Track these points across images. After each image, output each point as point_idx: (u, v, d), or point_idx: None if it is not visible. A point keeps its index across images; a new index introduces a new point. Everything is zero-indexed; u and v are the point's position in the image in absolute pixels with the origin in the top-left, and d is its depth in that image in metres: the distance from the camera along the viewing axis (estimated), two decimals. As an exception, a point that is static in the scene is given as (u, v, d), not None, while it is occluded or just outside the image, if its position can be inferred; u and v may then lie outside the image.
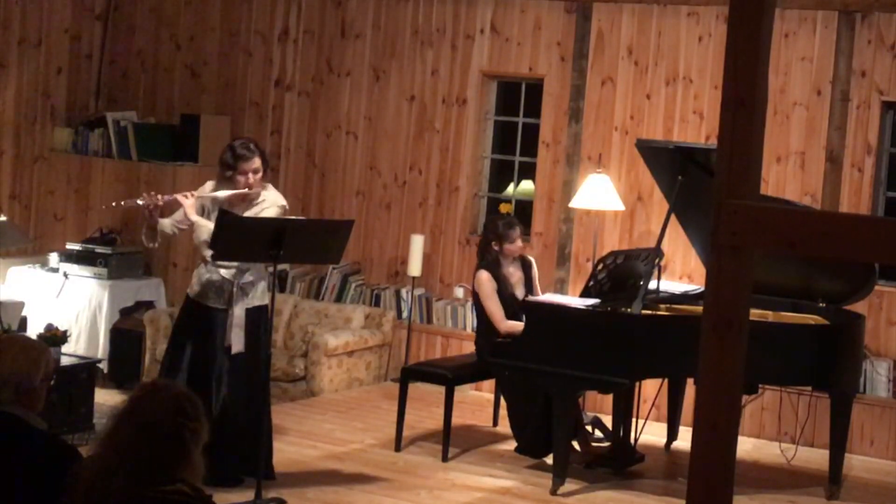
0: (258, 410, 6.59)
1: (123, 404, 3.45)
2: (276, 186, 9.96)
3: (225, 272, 6.62)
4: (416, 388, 8.18)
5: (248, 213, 6.59)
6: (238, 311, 6.60)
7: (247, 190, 6.62)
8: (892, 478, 7.82)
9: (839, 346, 7.17)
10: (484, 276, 7.59)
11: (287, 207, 6.81)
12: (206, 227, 6.54)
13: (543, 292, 8.05)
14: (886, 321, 8.31)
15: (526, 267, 7.82)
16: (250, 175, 6.60)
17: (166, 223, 6.76)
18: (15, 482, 3.70)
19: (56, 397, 7.11)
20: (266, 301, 6.69)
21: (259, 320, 6.69)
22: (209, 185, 6.81)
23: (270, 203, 6.69)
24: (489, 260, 7.65)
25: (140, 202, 6.60)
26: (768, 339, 6.81)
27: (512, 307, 7.55)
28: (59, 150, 10.00)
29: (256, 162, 6.62)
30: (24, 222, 9.69)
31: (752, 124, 3.06)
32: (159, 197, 6.59)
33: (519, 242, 7.70)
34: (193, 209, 6.60)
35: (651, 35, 8.86)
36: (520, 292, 7.70)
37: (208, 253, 6.55)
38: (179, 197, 6.64)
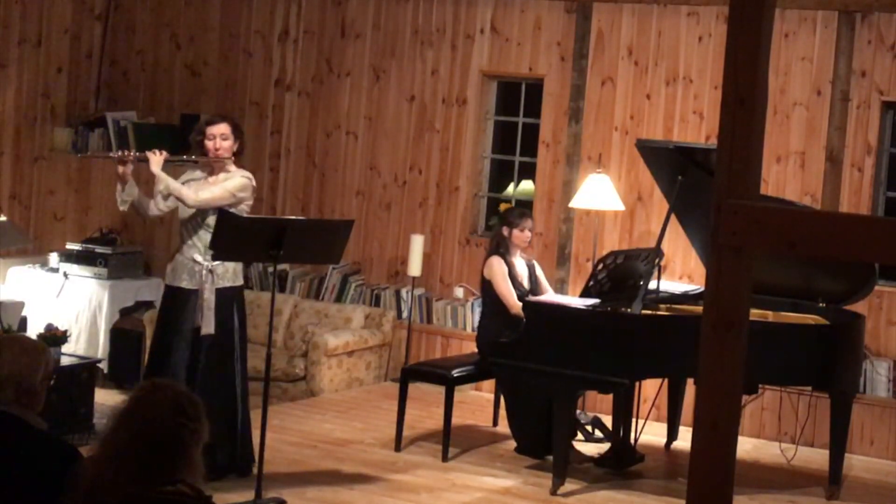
0: (232, 399, 6.61)
1: (123, 404, 3.44)
2: (276, 186, 10.04)
3: (197, 255, 6.64)
4: (416, 388, 8.18)
5: (213, 181, 6.67)
6: (207, 294, 6.62)
7: (210, 157, 6.69)
8: (892, 478, 7.82)
9: (839, 346, 7.17)
10: (495, 260, 7.65)
11: (254, 183, 6.82)
12: (166, 181, 6.64)
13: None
14: (886, 321, 8.31)
15: (531, 269, 7.86)
16: (217, 139, 6.69)
17: (157, 199, 6.78)
18: (15, 482, 3.70)
19: (56, 397, 7.10)
20: (239, 282, 6.78)
21: (231, 302, 6.71)
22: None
23: (236, 174, 6.74)
24: (500, 248, 7.69)
25: (112, 155, 6.96)
26: (768, 339, 6.81)
27: (520, 293, 7.60)
28: (59, 150, 10.00)
29: (223, 127, 6.74)
30: (24, 222, 9.69)
31: (752, 124, 3.06)
32: (131, 153, 6.74)
33: (528, 233, 7.74)
34: (159, 165, 6.66)
35: (651, 35, 8.86)
36: (525, 286, 7.75)
37: (163, 204, 6.68)
38: (149, 153, 6.71)
